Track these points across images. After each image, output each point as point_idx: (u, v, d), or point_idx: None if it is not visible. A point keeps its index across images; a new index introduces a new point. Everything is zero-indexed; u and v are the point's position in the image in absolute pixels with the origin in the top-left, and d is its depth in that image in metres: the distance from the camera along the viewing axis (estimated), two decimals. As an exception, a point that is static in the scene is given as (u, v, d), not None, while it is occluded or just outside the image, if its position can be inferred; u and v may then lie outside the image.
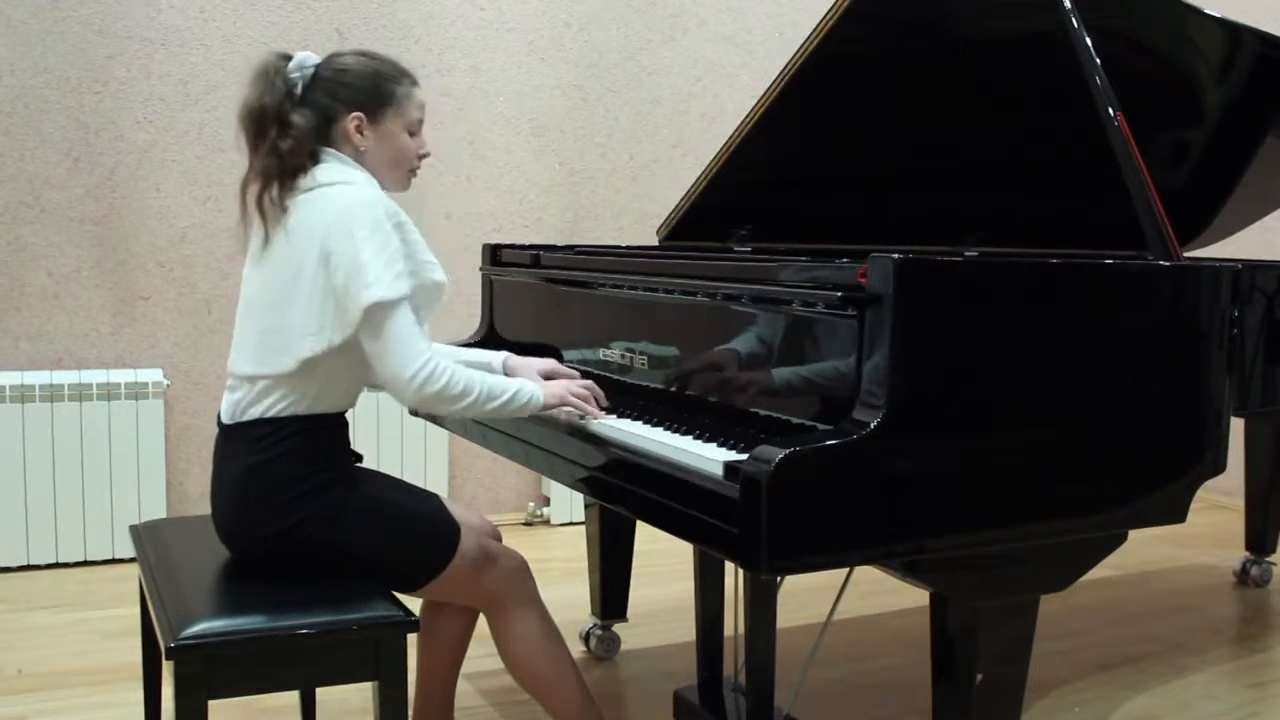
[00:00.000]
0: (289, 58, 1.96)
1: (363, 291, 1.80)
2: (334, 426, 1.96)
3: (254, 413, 1.90)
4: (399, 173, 2.03)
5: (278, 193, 1.89)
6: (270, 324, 1.89)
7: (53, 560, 3.63)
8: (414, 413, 2.46)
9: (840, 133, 2.79)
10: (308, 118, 1.93)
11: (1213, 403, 1.93)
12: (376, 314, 1.81)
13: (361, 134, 1.96)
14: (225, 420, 1.95)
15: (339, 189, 1.89)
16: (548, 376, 2.15)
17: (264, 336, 1.90)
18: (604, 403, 2.08)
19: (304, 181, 1.90)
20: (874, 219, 2.80)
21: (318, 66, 1.98)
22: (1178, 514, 1.91)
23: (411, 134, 2.02)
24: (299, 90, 1.95)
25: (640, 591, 3.14)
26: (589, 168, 4.53)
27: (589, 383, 2.10)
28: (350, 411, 2.01)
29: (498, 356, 2.25)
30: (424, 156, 2.06)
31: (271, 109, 1.91)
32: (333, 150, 1.96)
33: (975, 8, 2.48)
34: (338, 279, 1.82)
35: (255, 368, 1.90)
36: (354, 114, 1.95)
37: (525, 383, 1.98)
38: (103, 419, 3.64)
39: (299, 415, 1.89)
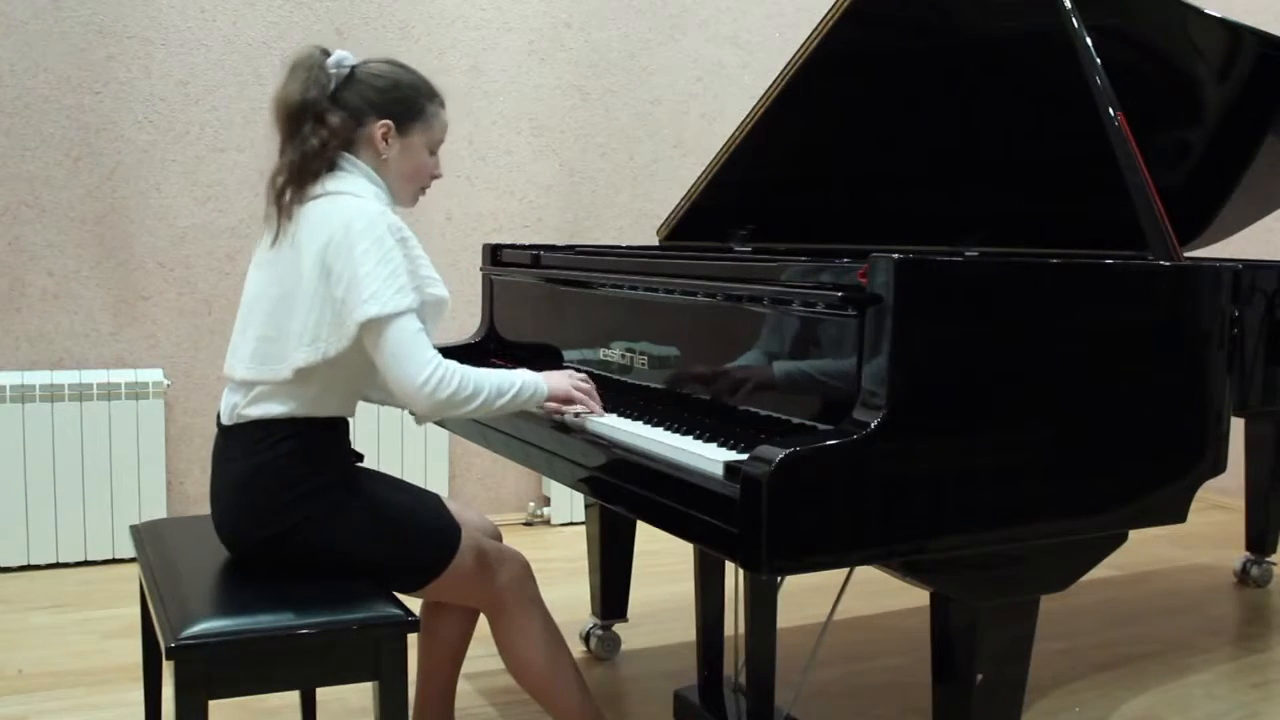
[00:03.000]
0: (328, 53, 1.96)
1: (359, 307, 1.80)
2: (333, 429, 1.96)
3: (252, 415, 1.89)
4: (412, 188, 2.05)
5: (292, 195, 1.90)
6: (268, 331, 1.89)
7: (53, 560, 3.63)
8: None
9: (840, 133, 2.79)
10: (341, 118, 1.93)
11: (1213, 402, 1.93)
12: (375, 329, 1.80)
13: (386, 142, 1.97)
14: (224, 421, 1.95)
15: (345, 199, 1.89)
16: None
17: (260, 344, 1.90)
18: (598, 403, 2.09)
19: (314, 188, 1.91)
20: (874, 219, 2.80)
21: (353, 68, 1.98)
22: (1178, 514, 1.91)
23: (431, 153, 2.05)
24: (333, 87, 1.95)
25: (640, 591, 3.14)
26: (589, 168, 4.53)
27: (584, 377, 2.11)
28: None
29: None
30: (436, 177, 2.08)
31: (312, 103, 1.91)
32: (352, 157, 1.96)
33: (975, 8, 2.48)
34: (337, 293, 1.82)
35: (251, 373, 1.90)
36: (383, 121, 1.96)
37: (528, 373, 1.98)
38: (103, 419, 3.64)
39: (297, 418, 1.89)
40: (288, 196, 1.90)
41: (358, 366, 1.90)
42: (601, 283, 2.32)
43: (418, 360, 1.81)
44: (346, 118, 1.94)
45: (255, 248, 2.00)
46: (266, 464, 1.88)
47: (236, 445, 1.92)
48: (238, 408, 1.91)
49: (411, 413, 2.05)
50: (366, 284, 1.79)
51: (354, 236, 1.82)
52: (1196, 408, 1.92)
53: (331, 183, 1.92)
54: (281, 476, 1.88)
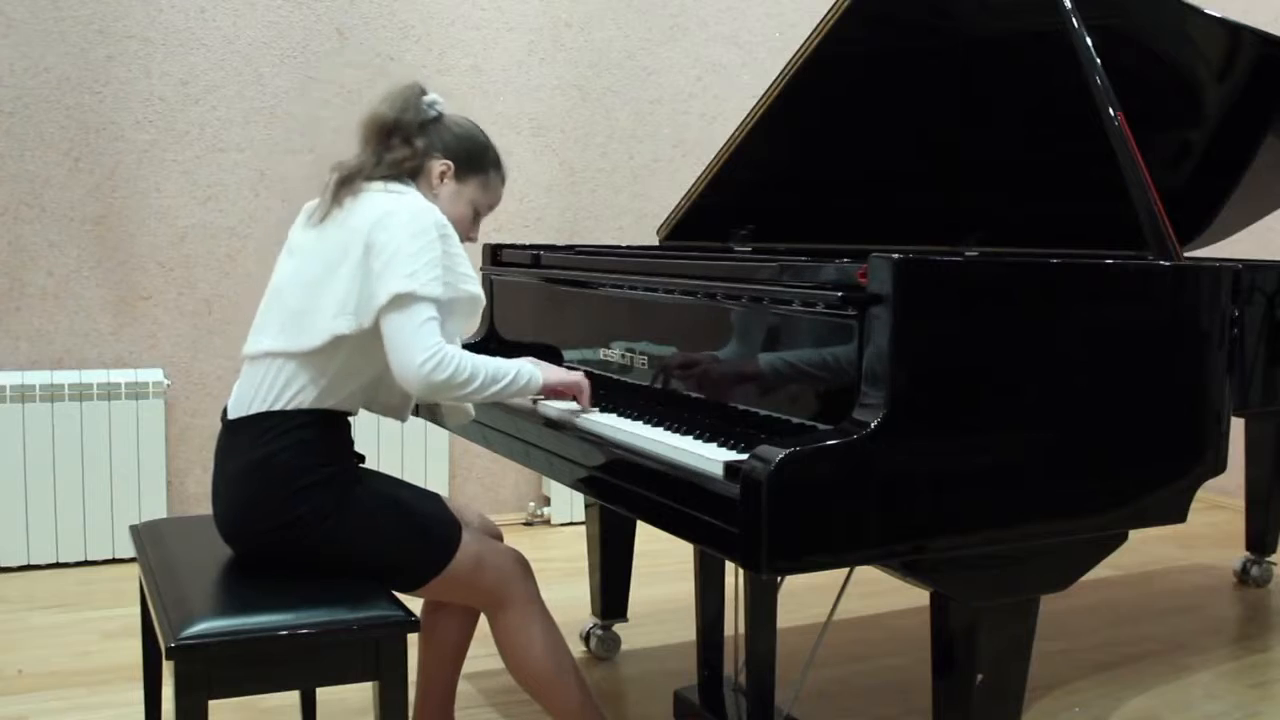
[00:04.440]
0: (425, 92, 2.11)
1: (392, 279, 1.87)
2: (339, 423, 1.99)
3: (262, 405, 1.92)
4: None
5: (349, 187, 2.00)
6: (300, 305, 1.95)
7: (53, 560, 3.63)
8: (416, 410, 2.47)
9: (840, 132, 2.79)
10: (423, 144, 2.07)
11: (1213, 403, 1.93)
12: (400, 303, 1.86)
13: (443, 180, 2.09)
14: (232, 415, 1.97)
15: (395, 195, 1.99)
16: None
17: (291, 317, 1.95)
18: (590, 403, 2.12)
19: (371, 185, 2.01)
20: (874, 219, 2.80)
21: (441, 112, 2.12)
22: (1178, 514, 1.91)
23: (477, 213, 2.17)
24: (420, 120, 2.09)
25: (640, 591, 3.14)
26: (589, 168, 4.53)
27: (581, 376, 2.14)
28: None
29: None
30: (470, 239, 2.16)
31: (405, 124, 2.06)
32: (411, 182, 2.07)
33: (975, 8, 2.49)
34: (375, 265, 1.89)
35: (277, 344, 1.94)
36: (446, 160, 2.09)
37: (525, 363, 2.03)
38: (103, 419, 3.64)
39: (304, 409, 1.92)
40: (344, 187, 2.00)
41: (379, 351, 1.93)
42: (601, 283, 2.32)
43: (422, 343, 1.87)
44: (425, 145, 2.08)
45: (292, 232, 2.07)
46: (272, 455, 1.90)
47: (243, 437, 1.94)
48: (248, 394, 1.95)
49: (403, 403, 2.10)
50: (406, 262, 1.87)
51: (400, 222, 1.91)
52: (1196, 408, 1.92)
53: (390, 185, 2.02)
54: (287, 468, 1.90)
